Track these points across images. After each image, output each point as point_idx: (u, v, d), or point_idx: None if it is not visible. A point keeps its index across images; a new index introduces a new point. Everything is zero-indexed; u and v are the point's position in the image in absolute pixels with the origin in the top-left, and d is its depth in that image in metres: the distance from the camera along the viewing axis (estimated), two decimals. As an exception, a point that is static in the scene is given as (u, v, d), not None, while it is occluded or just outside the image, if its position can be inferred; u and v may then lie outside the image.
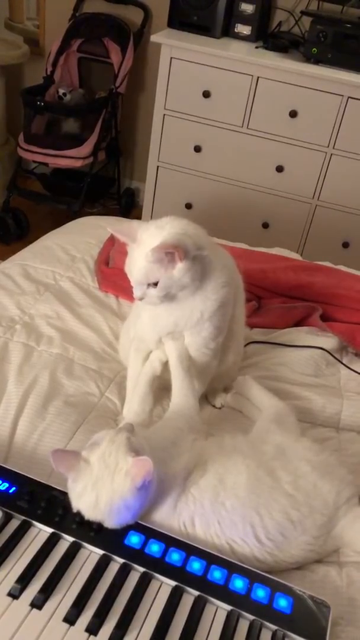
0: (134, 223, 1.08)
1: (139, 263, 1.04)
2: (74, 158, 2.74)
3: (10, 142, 3.18)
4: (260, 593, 0.85)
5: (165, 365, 1.16)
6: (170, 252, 1.01)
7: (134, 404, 1.15)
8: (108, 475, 0.85)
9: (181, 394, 1.11)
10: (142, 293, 1.06)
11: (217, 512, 0.91)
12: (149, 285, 1.05)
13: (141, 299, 1.07)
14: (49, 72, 2.93)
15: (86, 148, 2.75)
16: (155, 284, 1.04)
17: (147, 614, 0.82)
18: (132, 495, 0.85)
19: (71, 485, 0.88)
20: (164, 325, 1.13)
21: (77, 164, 2.76)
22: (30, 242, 1.82)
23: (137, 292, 1.07)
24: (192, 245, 1.04)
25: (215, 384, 1.28)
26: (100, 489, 0.85)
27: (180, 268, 1.03)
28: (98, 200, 3.26)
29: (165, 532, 0.90)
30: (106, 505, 0.85)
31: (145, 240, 1.04)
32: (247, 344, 1.42)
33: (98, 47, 2.91)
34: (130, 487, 0.85)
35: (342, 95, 2.42)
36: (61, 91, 2.92)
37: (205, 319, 1.11)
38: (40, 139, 2.79)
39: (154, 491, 0.89)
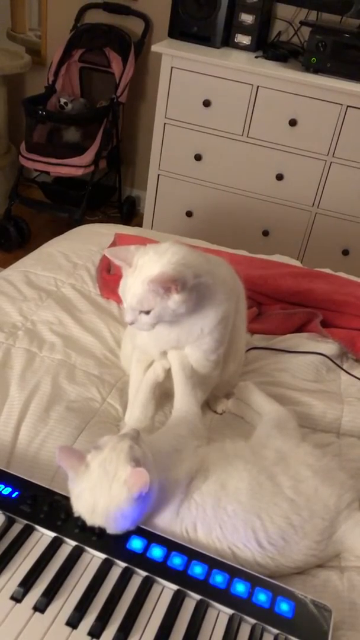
0: (132, 247, 1.06)
1: (133, 289, 1.01)
2: (75, 167, 2.76)
3: (12, 150, 3.20)
4: (261, 597, 0.86)
5: (168, 372, 1.16)
6: (167, 284, 0.99)
7: (135, 411, 1.15)
8: (106, 482, 0.85)
9: (184, 401, 1.12)
10: (134, 319, 1.04)
11: (219, 517, 0.92)
12: (141, 311, 1.03)
13: (132, 323, 1.05)
14: (50, 82, 2.96)
15: (87, 157, 2.77)
16: (148, 312, 1.02)
17: (149, 618, 0.82)
18: (128, 504, 0.85)
19: (70, 485, 0.89)
20: (166, 342, 1.13)
21: (79, 172, 2.78)
22: (32, 250, 1.83)
23: (128, 317, 1.04)
24: (191, 275, 1.01)
25: (216, 391, 1.28)
26: (98, 495, 0.85)
27: (176, 300, 1.01)
28: (99, 208, 3.27)
29: (167, 537, 0.90)
30: (103, 511, 0.85)
31: (142, 266, 1.01)
32: (248, 349, 1.43)
33: (99, 57, 2.94)
34: (126, 497, 0.84)
35: (342, 104, 2.44)
36: (63, 100, 2.95)
37: (206, 333, 1.11)
38: (42, 147, 2.81)
39: (155, 498, 0.89)
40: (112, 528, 0.87)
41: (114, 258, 1.05)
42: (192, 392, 1.12)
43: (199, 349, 1.13)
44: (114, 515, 0.85)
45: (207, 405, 1.29)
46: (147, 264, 1.01)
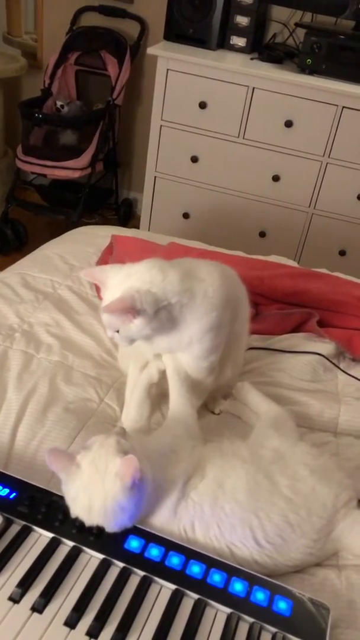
0: (107, 267, 1.07)
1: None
2: (72, 169, 2.77)
3: (9, 153, 3.20)
4: (259, 596, 0.86)
5: (164, 373, 1.16)
6: (122, 312, 1.00)
7: (131, 411, 1.16)
8: (99, 478, 0.86)
9: (179, 403, 1.12)
10: (111, 335, 1.07)
11: (217, 516, 0.92)
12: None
13: (112, 338, 1.08)
14: (46, 85, 2.97)
15: (84, 159, 2.78)
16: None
17: (147, 618, 0.82)
18: (124, 495, 0.85)
19: (64, 488, 0.89)
20: (159, 347, 1.13)
21: (75, 175, 2.78)
22: (29, 252, 1.83)
23: (108, 333, 1.08)
24: (152, 301, 1.01)
25: (214, 393, 1.28)
26: (92, 493, 0.86)
27: (136, 324, 1.02)
28: (96, 210, 3.28)
29: (165, 536, 0.90)
30: (100, 508, 0.86)
31: (112, 288, 1.03)
32: (245, 350, 1.43)
33: (95, 59, 2.95)
34: (120, 488, 0.85)
35: (337, 105, 2.45)
36: (59, 103, 2.95)
37: (195, 341, 1.10)
38: (39, 150, 2.81)
39: (150, 494, 0.89)
40: (111, 525, 0.87)
41: (90, 278, 1.08)
42: (186, 394, 1.12)
43: (191, 356, 1.13)
44: (112, 510, 0.86)
45: (205, 405, 1.29)
46: (114, 287, 1.03)
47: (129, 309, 1.00)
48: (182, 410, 1.11)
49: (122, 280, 1.03)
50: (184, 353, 1.13)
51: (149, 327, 1.02)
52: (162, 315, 1.03)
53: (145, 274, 1.03)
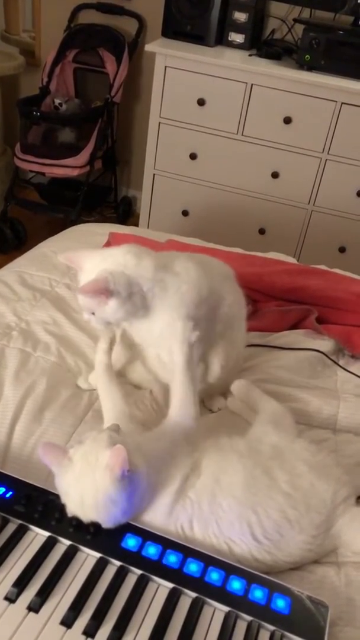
0: (86, 252, 1.09)
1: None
2: (70, 167, 2.76)
3: (7, 152, 3.20)
4: (257, 594, 0.85)
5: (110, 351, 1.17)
6: (96, 293, 1.02)
7: (103, 401, 1.13)
8: (89, 472, 0.86)
9: (183, 402, 1.09)
10: (88, 318, 1.09)
11: (215, 513, 0.91)
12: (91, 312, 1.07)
13: (89, 321, 1.09)
14: (44, 83, 2.96)
15: (82, 157, 2.77)
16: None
17: (144, 616, 0.81)
18: (114, 487, 0.85)
19: (57, 482, 0.89)
20: (137, 336, 1.14)
21: (74, 173, 2.78)
22: (28, 251, 1.82)
23: (84, 316, 1.10)
24: (126, 282, 1.02)
25: (210, 391, 1.28)
26: (84, 486, 0.86)
27: (111, 305, 1.03)
28: (95, 209, 3.27)
29: (162, 535, 0.90)
30: (91, 501, 0.85)
31: (88, 271, 1.05)
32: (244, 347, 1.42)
33: (93, 57, 2.94)
34: (110, 480, 0.84)
35: (336, 101, 2.44)
36: (57, 101, 2.95)
37: (166, 334, 1.10)
38: (37, 148, 2.81)
39: (145, 490, 0.89)
40: (105, 519, 0.87)
41: (68, 262, 1.09)
42: (193, 393, 1.09)
43: (165, 349, 1.12)
44: (103, 503, 0.85)
45: (202, 403, 1.28)
46: (90, 270, 1.04)
47: (103, 289, 1.01)
48: (185, 411, 1.07)
49: (97, 264, 1.05)
50: (160, 347, 1.12)
51: (123, 310, 1.04)
52: (135, 300, 1.04)
53: (120, 257, 1.05)
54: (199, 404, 1.11)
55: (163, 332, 1.09)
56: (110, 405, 1.10)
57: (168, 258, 1.12)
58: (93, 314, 1.06)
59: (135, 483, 0.87)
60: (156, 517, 0.91)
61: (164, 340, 1.10)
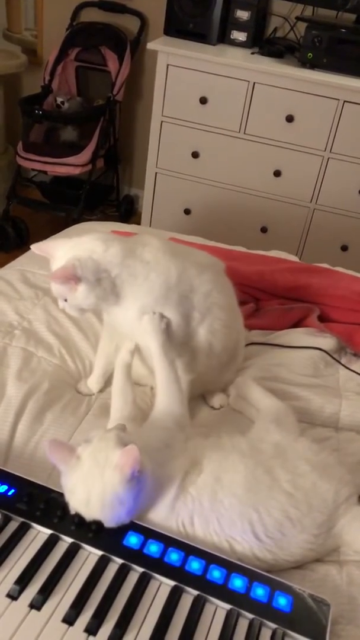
0: (58, 241, 1.10)
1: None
2: (72, 166, 2.76)
3: (10, 150, 3.20)
4: (259, 592, 0.85)
5: (135, 353, 1.17)
6: (64, 279, 1.04)
7: (115, 399, 1.13)
8: (98, 470, 0.86)
9: (167, 390, 1.09)
10: (62, 306, 1.11)
11: (216, 510, 0.91)
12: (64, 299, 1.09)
13: (64, 309, 1.11)
14: (46, 81, 2.96)
15: (85, 156, 2.77)
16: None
17: (146, 614, 0.81)
18: (122, 487, 0.85)
19: (63, 480, 0.89)
20: (116, 322, 1.16)
21: (76, 171, 2.78)
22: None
23: (59, 304, 1.12)
24: (93, 267, 1.04)
25: (212, 387, 1.28)
26: (91, 484, 0.86)
27: (81, 291, 1.05)
28: (97, 207, 3.27)
29: (164, 532, 0.90)
30: (98, 500, 0.85)
31: (59, 259, 1.07)
32: (246, 345, 1.42)
33: (95, 55, 2.94)
34: (120, 479, 0.85)
35: (338, 100, 2.43)
36: (59, 100, 2.94)
37: (137, 324, 1.11)
38: (39, 147, 2.81)
39: (149, 490, 0.89)
40: (109, 518, 0.87)
41: (41, 252, 1.11)
42: (175, 378, 1.09)
43: (140, 338, 1.14)
44: (109, 502, 0.85)
45: (204, 400, 1.28)
46: (61, 258, 1.06)
47: (71, 275, 1.03)
48: (170, 397, 1.08)
49: (67, 251, 1.07)
50: (137, 334, 1.13)
51: (93, 295, 1.05)
52: (104, 285, 1.06)
53: (88, 244, 1.07)
54: (184, 391, 1.11)
55: (135, 318, 1.11)
56: (121, 404, 1.11)
57: (139, 246, 1.12)
58: (66, 300, 1.09)
59: (142, 484, 0.87)
60: (158, 513, 0.91)
61: (138, 327, 1.11)
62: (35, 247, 1.11)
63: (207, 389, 1.28)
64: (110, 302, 1.09)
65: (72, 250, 1.06)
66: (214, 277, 1.18)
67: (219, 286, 1.19)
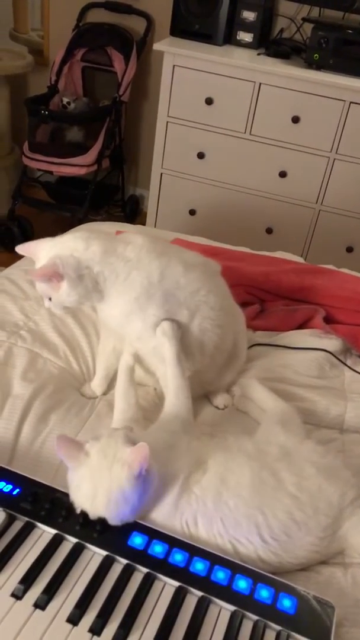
0: (41, 241, 1.12)
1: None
2: (78, 166, 2.76)
3: (16, 150, 3.20)
4: (264, 593, 0.85)
5: (137, 356, 1.18)
6: (46, 276, 1.05)
7: (118, 401, 1.15)
8: (106, 467, 0.86)
9: (177, 395, 1.10)
10: (48, 305, 1.12)
11: (221, 511, 0.91)
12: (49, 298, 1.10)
13: (49, 308, 1.13)
14: (53, 82, 2.96)
15: (90, 156, 2.77)
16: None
17: (150, 615, 0.81)
18: (129, 485, 0.85)
19: (70, 476, 0.89)
20: (110, 322, 1.17)
21: (82, 171, 2.78)
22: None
23: (45, 303, 1.13)
24: (74, 264, 1.05)
25: (209, 387, 1.28)
26: (98, 480, 0.86)
27: (64, 289, 1.06)
28: (102, 207, 3.27)
29: (169, 533, 0.90)
30: (104, 497, 0.86)
31: (42, 258, 1.08)
32: (251, 346, 1.42)
33: (101, 56, 2.94)
34: (127, 476, 0.85)
35: (344, 101, 2.43)
36: (65, 100, 2.95)
37: (125, 318, 1.12)
38: (45, 147, 2.81)
39: (154, 489, 0.89)
40: (113, 515, 0.87)
41: (25, 252, 1.12)
42: (186, 386, 1.11)
43: (129, 336, 1.15)
44: (115, 499, 0.86)
45: (208, 400, 1.28)
46: (44, 257, 1.08)
47: (52, 273, 1.05)
48: (181, 403, 1.09)
49: (49, 250, 1.08)
50: (127, 331, 1.14)
51: (76, 292, 1.06)
52: (87, 283, 1.07)
53: (70, 242, 1.09)
54: (191, 398, 1.12)
55: (122, 316, 1.11)
56: (124, 407, 1.12)
57: (121, 244, 1.12)
58: (50, 299, 1.10)
59: (149, 483, 0.88)
60: (161, 512, 0.92)
61: (127, 324, 1.12)
62: (19, 249, 1.13)
63: (208, 390, 1.28)
64: (95, 299, 1.10)
65: (54, 250, 1.08)
66: (203, 276, 1.17)
67: (209, 285, 1.17)
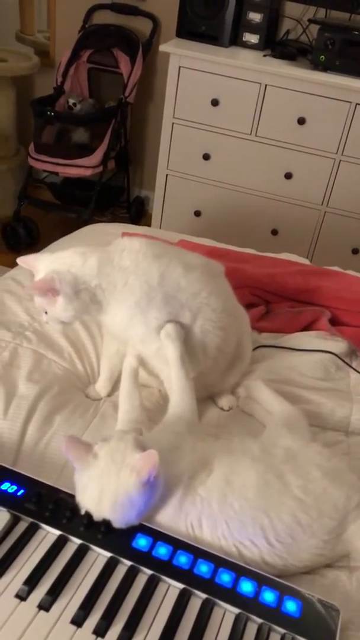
0: (41, 254, 1.13)
1: None
2: (83, 167, 2.77)
3: (21, 151, 3.21)
4: (268, 596, 0.85)
5: (141, 358, 1.18)
6: (42, 291, 1.06)
7: (122, 403, 1.15)
8: (114, 470, 0.86)
9: (182, 396, 1.10)
10: (45, 319, 1.12)
11: (225, 513, 0.91)
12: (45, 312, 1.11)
13: (47, 322, 1.13)
14: (59, 83, 2.97)
15: (96, 157, 2.77)
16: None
17: (154, 617, 0.81)
18: (137, 490, 0.85)
19: (77, 477, 0.89)
20: (113, 329, 1.17)
21: (87, 173, 2.78)
22: (41, 250, 1.83)
23: (42, 318, 1.14)
24: (71, 281, 1.06)
25: (214, 389, 1.28)
26: (105, 483, 0.86)
27: (60, 304, 1.06)
28: (108, 208, 3.28)
29: (173, 535, 0.90)
30: (110, 500, 0.85)
31: (40, 272, 1.09)
32: (256, 348, 1.42)
33: (107, 57, 2.95)
34: (135, 482, 0.85)
35: (350, 102, 2.43)
36: (71, 101, 2.95)
37: (127, 326, 1.12)
38: (51, 148, 2.82)
39: (160, 494, 0.89)
40: (118, 519, 0.87)
41: (25, 265, 1.13)
42: (190, 387, 1.11)
43: (134, 340, 1.15)
44: (121, 503, 0.85)
45: (213, 401, 1.28)
46: (42, 271, 1.09)
47: (49, 288, 1.05)
48: (185, 404, 1.09)
49: (48, 265, 1.09)
50: (130, 339, 1.15)
51: (72, 308, 1.07)
52: (84, 297, 1.07)
53: (68, 258, 1.09)
54: (195, 399, 1.11)
55: (123, 324, 1.12)
56: (129, 408, 1.12)
57: (117, 252, 1.12)
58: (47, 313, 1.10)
59: (155, 489, 0.88)
60: (165, 514, 0.91)
61: (130, 328, 1.12)
62: (20, 260, 1.14)
63: (212, 392, 1.28)
64: (93, 312, 1.10)
65: (52, 264, 1.08)
66: (204, 277, 1.17)
67: (210, 287, 1.17)
